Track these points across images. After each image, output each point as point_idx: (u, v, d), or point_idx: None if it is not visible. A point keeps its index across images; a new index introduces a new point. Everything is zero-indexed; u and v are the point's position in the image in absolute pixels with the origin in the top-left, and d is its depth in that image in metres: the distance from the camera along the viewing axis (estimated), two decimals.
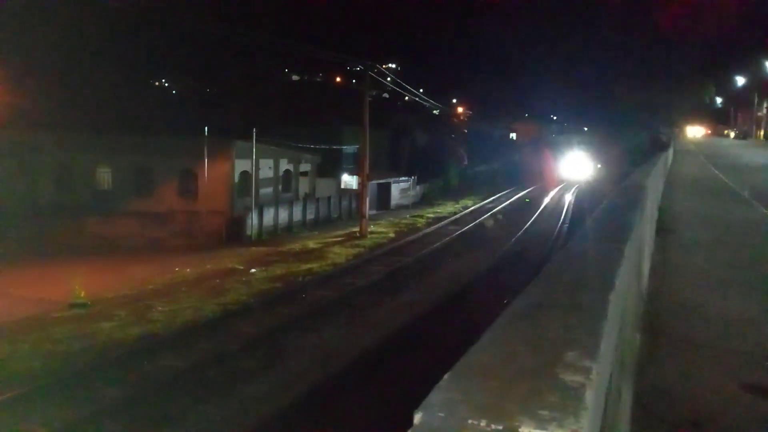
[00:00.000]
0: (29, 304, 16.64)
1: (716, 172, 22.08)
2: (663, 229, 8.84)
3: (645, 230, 5.28)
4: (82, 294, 17.11)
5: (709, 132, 75.53)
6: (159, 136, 32.29)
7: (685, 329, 4.71)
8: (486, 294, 16.84)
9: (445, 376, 1.21)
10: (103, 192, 31.67)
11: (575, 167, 54.64)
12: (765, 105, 61.70)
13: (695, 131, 73.60)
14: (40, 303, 16.82)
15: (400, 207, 42.41)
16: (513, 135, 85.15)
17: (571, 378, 1.21)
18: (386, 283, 19.13)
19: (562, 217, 34.22)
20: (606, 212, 4.29)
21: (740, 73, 67.98)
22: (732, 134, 69.44)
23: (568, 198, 44.65)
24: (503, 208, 39.23)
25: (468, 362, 1.28)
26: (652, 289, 5.57)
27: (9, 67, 31.19)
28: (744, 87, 68.79)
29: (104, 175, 32.04)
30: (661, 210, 10.39)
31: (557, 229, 29.40)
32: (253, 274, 20.86)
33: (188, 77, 55.58)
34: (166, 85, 60.93)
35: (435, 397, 1.13)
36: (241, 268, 21.82)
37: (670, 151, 27.13)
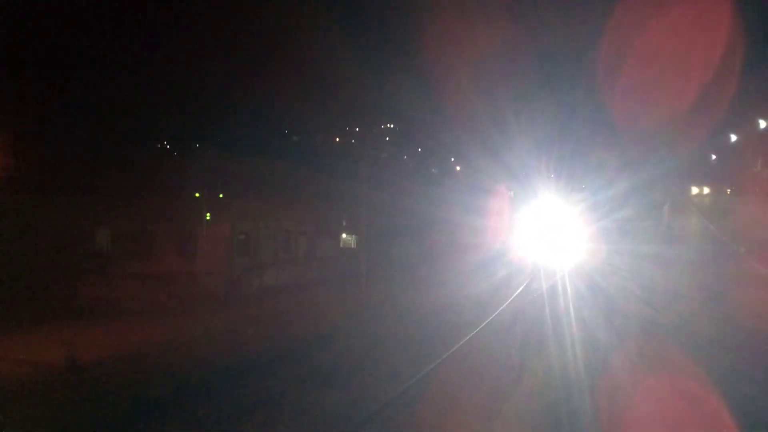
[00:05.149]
0: (24, 368, 16.46)
1: None
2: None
3: None
4: (79, 357, 16.94)
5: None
6: (159, 198, 32.51)
7: None
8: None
9: None
10: (102, 254, 31.68)
11: (564, 243, 46.32)
12: (759, 162, 62.32)
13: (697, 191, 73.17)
14: (36, 367, 16.63)
15: (400, 266, 42.36)
16: (512, 193, 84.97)
17: None
18: (389, 342, 19.06)
19: None
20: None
21: (733, 131, 68.78)
22: (728, 191, 69.74)
23: None
24: None
25: None
26: None
27: (7, 130, 31.60)
28: (737, 143, 69.51)
29: (104, 237, 32.10)
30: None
31: None
32: (251, 335, 20.73)
33: (189, 139, 56.46)
34: (168, 147, 61.69)
35: None
36: (240, 329, 21.67)
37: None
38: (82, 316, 24.02)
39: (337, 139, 75.72)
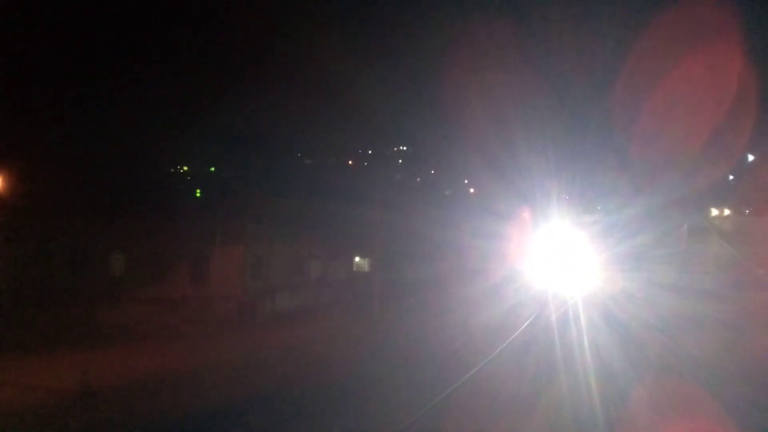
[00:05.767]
0: (38, 394, 16.51)
1: None
2: None
3: None
4: (92, 383, 16.96)
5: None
6: (172, 221, 32.71)
7: None
8: None
9: None
10: (116, 278, 31.88)
11: (578, 269, 44.36)
12: None
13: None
14: (50, 393, 16.67)
15: (412, 290, 42.20)
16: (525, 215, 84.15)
17: None
18: (398, 369, 18.97)
19: None
20: None
21: (750, 150, 67.95)
22: (747, 212, 68.82)
23: None
24: None
25: None
26: None
27: (23, 154, 32.03)
28: (754, 163, 68.68)
29: (118, 261, 32.32)
30: None
31: None
32: (263, 360, 20.76)
33: (204, 163, 57.10)
34: (182, 170, 62.27)
35: None
36: (252, 354, 21.69)
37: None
38: (96, 340, 24.11)
39: (350, 162, 75.97)
